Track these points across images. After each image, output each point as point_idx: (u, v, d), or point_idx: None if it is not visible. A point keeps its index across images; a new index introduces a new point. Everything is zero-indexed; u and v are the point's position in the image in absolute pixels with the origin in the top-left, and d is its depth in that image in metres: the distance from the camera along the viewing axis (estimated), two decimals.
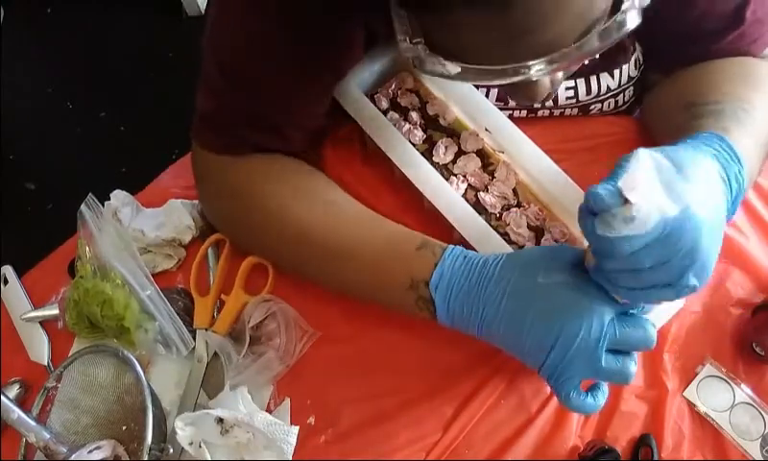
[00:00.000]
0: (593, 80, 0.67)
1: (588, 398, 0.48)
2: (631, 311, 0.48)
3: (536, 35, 0.37)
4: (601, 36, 0.39)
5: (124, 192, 0.73)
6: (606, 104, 0.69)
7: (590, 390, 0.48)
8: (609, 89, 0.68)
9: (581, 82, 0.67)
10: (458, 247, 0.53)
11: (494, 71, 0.40)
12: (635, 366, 0.47)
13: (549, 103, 0.68)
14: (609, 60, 0.67)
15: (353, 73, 0.66)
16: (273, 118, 0.62)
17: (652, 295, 0.43)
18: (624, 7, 0.39)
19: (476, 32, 0.38)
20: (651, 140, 0.69)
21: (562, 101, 0.68)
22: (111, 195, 0.72)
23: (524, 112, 0.69)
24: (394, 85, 0.69)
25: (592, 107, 0.69)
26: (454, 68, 0.41)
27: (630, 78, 0.68)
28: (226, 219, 0.67)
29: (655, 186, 0.40)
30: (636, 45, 0.67)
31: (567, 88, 0.67)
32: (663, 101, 0.67)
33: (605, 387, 0.49)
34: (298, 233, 0.59)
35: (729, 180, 0.47)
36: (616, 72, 0.67)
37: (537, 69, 0.39)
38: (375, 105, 0.66)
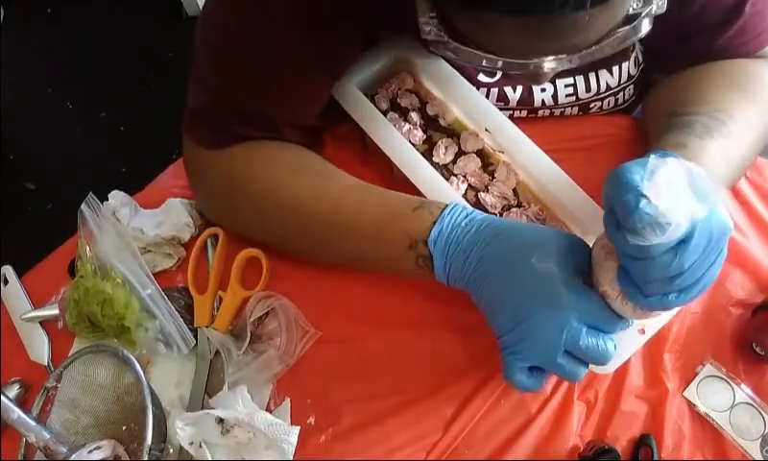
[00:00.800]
0: (592, 77, 0.67)
1: (528, 378, 0.49)
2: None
3: (560, 41, 0.39)
4: (616, 41, 0.41)
5: (122, 193, 0.72)
6: (606, 102, 0.69)
7: (533, 370, 0.49)
8: (608, 87, 0.68)
9: (580, 79, 0.67)
10: (459, 204, 0.53)
11: (512, 64, 0.42)
12: (585, 371, 0.48)
13: (549, 102, 0.68)
14: (608, 57, 0.67)
15: (353, 73, 0.66)
16: (268, 116, 0.62)
17: (673, 301, 0.44)
18: (641, 11, 0.41)
19: (504, 31, 0.39)
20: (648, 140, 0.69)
21: (562, 99, 0.68)
22: (110, 195, 0.72)
23: (524, 112, 0.69)
24: (394, 86, 0.69)
25: (592, 105, 0.69)
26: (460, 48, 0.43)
27: (629, 76, 0.68)
28: (220, 207, 0.67)
29: (683, 190, 0.40)
30: (636, 44, 0.67)
31: (567, 86, 0.67)
32: (655, 103, 0.67)
33: (548, 373, 0.50)
34: (293, 206, 0.59)
35: None
36: (615, 69, 0.67)
37: (549, 66, 0.41)
38: (375, 105, 0.66)
